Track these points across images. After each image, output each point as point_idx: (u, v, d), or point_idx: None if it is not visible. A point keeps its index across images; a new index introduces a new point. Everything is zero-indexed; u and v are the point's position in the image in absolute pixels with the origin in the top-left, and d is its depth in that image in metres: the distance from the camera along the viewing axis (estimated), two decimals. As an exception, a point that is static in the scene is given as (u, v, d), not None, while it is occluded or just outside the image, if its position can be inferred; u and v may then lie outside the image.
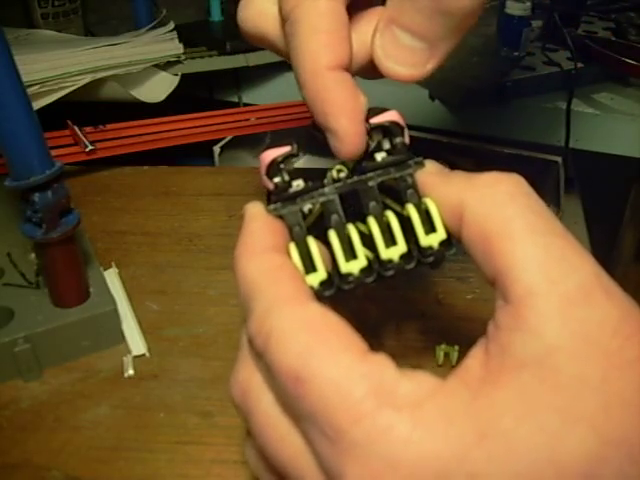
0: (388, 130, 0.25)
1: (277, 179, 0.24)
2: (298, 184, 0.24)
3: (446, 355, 0.37)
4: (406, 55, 0.25)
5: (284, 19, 0.26)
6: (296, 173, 0.24)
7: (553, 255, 0.19)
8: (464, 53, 0.66)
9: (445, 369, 0.37)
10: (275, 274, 0.22)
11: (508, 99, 0.60)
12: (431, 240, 0.23)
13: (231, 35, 0.65)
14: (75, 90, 0.55)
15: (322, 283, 0.23)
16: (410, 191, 0.24)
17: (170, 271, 0.45)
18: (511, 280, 0.19)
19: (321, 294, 0.23)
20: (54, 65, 0.54)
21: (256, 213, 0.24)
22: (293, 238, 0.24)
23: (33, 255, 0.39)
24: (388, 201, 0.25)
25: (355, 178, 0.24)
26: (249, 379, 0.22)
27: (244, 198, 0.51)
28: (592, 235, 0.50)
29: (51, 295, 0.38)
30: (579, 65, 0.60)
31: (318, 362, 0.19)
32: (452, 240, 0.23)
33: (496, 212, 0.21)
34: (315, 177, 0.25)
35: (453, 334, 0.38)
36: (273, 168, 0.24)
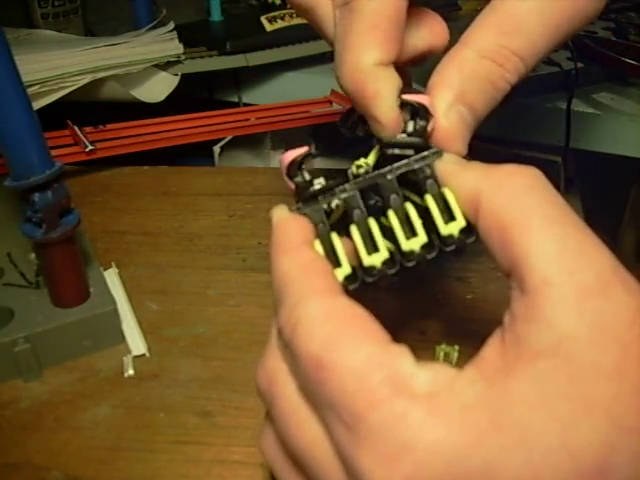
0: (415, 111, 0.26)
1: (298, 179, 0.25)
2: (319, 182, 0.25)
3: (446, 355, 0.37)
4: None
5: (341, 2, 0.26)
6: (317, 173, 0.25)
7: (570, 246, 0.20)
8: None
9: (445, 369, 0.37)
10: (307, 267, 0.22)
11: (508, 99, 0.60)
12: (451, 229, 0.23)
13: (231, 35, 0.65)
14: (75, 90, 0.55)
15: (347, 277, 0.24)
16: (429, 181, 0.24)
17: (170, 271, 0.45)
18: (527, 270, 0.20)
19: (346, 288, 0.23)
20: (54, 65, 0.54)
21: (283, 214, 0.25)
22: (318, 235, 0.24)
23: (33, 255, 0.39)
24: (408, 193, 0.25)
25: (374, 173, 0.25)
26: (276, 368, 0.22)
27: (244, 198, 0.51)
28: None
29: (51, 295, 0.38)
30: (579, 65, 0.60)
31: (339, 350, 0.20)
32: (472, 228, 0.23)
33: (513, 202, 0.21)
34: (336, 175, 0.26)
35: (453, 334, 0.38)
36: (293, 168, 0.25)
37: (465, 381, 0.19)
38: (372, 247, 0.24)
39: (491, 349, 0.20)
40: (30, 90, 0.51)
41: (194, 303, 0.42)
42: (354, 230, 0.24)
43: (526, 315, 0.19)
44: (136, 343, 0.39)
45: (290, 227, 0.24)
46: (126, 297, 0.42)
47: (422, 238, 0.24)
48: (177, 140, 0.58)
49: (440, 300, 0.42)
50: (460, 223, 0.23)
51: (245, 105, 0.68)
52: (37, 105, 0.52)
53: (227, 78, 0.67)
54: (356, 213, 0.24)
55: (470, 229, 0.23)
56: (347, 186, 0.25)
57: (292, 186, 0.25)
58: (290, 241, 0.24)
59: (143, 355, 0.38)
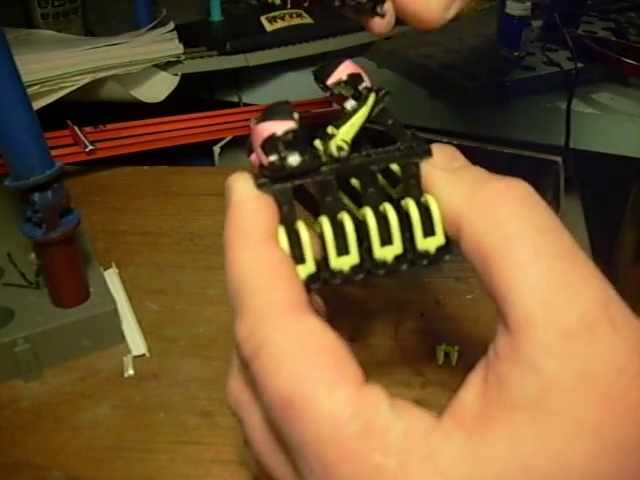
0: (349, 83, 0.24)
1: (273, 157, 0.21)
2: (294, 159, 0.21)
3: (446, 355, 0.37)
4: None
5: None
6: (291, 139, 0.22)
7: (555, 281, 0.18)
8: (464, 53, 0.66)
9: (445, 369, 0.37)
10: (272, 271, 0.20)
11: (508, 99, 0.60)
12: (428, 244, 0.22)
13: (231, 35, 0.65)
14: (75, 90, 0.55)
15: (310, 277, 0.22)
16: (412, 181, 0.22)
17: (170, 271, 0.45)
18: (509, 305, 0.18)
19: (306, 286, 0.21)
20: (54, 65, 0.54)
21: (245, 189, 0.22)
22: (282, 220, 0.22)
23: (33, 255, 0.39)
24: (386, 185, 0.24)
25: (357, 160, 0.22)
26: (239, 391, 0.22)
27: (244, 198, 0.51)
28: (592, 235, 0.50)
29: (51, 295, 0.38)
30: (579, 65, 0.60)
31: (312, 390, 0.18)
32: (450, 246, 0.22)
33: (497, 229, 0.19)
34: (311, 149, 0.23)
35: (453, 334, 0.38)
36: (270, 144, 0.21)
37: (442, 433, 0.18)
38: (343, 247, 0.22)
39: (471, 389, 0.19)
40: (30, 90, 0.51)
41: (194, 303, 0.42)
42: (325, 223, 0.22)
43: (509, 356, 0.18)
44: (136, 343, 0.39)
45: (254, 211, 0.21)
46: (126, 297, 0.42)
47: (397, 248, 0.22)
48: (177, 140, 0.58)
49: (440, 300, 0.42)
50: (439, 240, 0.22)
51: (245, 105, 0.68)
52: (37, 105, 0.52)
53: (227, 78, 0.67)
54: (328, 201, 0.22)
55: (448, 247, 0.22)
56: (324, 169, 0.22)
57: (265, 162, 0.22)
58: (253, 231, 0.21)
59: (143, 355, 0.38)
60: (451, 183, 0.21)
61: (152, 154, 0.57)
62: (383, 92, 0.24)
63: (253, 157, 0.23)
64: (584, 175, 0.56)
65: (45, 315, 0.37)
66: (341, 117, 0.23)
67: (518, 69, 0.63)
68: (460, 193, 0.21)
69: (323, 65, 0.25)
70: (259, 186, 0.22)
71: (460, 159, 0.23)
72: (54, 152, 0.37)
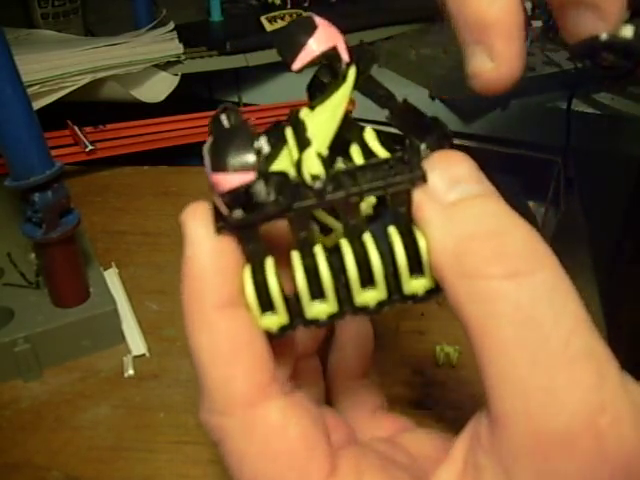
0: (322, 68, 0.20)
1: (237, 213, 0.18)
2: (259, 190, 0.17)
3: (446, 355, 0.37)
4: None
5: None
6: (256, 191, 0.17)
7: (538, 381, 0.16)
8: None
9: (445, 369, 0.37)
10: (231, 357, 0.18)
11: (508, 99, 0.60)
12: (416, 287, 0.19)
13: (231, 35, 0.65)
14: (75, 90, 0.55)
15: (282, 327, 0.19)
16: (401, 210, 0.18)
17: (170, 271, 0.45)
18: (489, 394, 0.17)
19: (278, 336, 0.19)
20: (54, 65, 0.54)
21: (200, 236, 0.18)
22: (248, 258, 0.19)
23: (33, 255, 0.39)
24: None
25: (336, 194, 0.18)
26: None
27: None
28: (592, 235, 0.50)
29: (51, 295, 0.38)
30: (579, 65, 0.60)
31: None
32: (439, 287, 0.19)
33: (480, 304, 0.17)
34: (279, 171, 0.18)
35: (453, 334, 0.38)
36: (231, 197, 0.17)
37: None
38: (318, 293, 0.18)
39: (452, 471, 0.18)
40: (30, 90, 0.51)
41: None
42: (297, 263, 0.18)
43: (487, 449, 0.17)
44: (136, 343, 0.39)
45: (210, 272, 0.18)
46: (126, 297, 0.42)
47: (381, 293, 0.19)
48: (177, 140, 0.58)
49: (440, 300, 0.42)
50: (428, 282, 0.19)
51: (245, 105, 0.68)
52: (37, 105, 0.52)
53: (227, 78, 0.67)
54: (302, 238, 0.18)
55: (437, 289, 0.19)
56: (296, 205, 0.18)
57: (225, 211, 0.18)
58: (209, 300, 0.18)
59: (143, 355, 0.38)
60: (441, 227, 0.18)
61: (152, 154, 0.57)
62: (366, 60, 0.20)
63: (213, 180, 0.18)
64: (584, 175, 0.56)
65: (45, 315, 0.37)
66: (316, 99, 0.20)
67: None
68: (448, 245, 0.17)
69: (278, 35, 0.20)
70: (219, 230, 0.18)
71: (464, 180, 0.18)
72: (54, 152, 0.37)
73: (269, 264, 0.19)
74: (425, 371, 0.37)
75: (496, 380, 0.17)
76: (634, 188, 0.68)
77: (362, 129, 0.21)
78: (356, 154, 0.21)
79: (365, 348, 0.27)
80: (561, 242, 0.50)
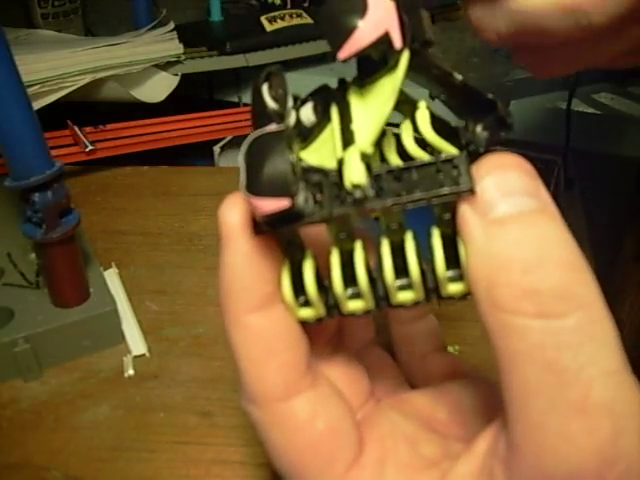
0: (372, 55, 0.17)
1: (281, 228, 0.17)
2: (298, 198, 0.16)
3: (446, 355, 0.37)
4: None
5: None
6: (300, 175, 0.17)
7: (553, 424, 0.16)
8: (464, 53, 0.66)
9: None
10: (262, 358, 0.19)
11: (508, 99, 0.60)
12: (454, 290, 0.18)
13: (231, 35, 0.65)
14: (75, 90, 0.55)
15: (319, 319, 0.20)
16: (446, 216, 0.18)
17: (170, 271, 0.45)
18: (508, 419, 0.17)
19: (315, 325, 0.20)
20: (54, 65, 0.54)
21: (238, 233, 0.18)
22: (287, 256, 0.19)
23: (33, 255, 0.39)
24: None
25: (378, 203, 0.17)
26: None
27: (244, 198, 0.51)
28: (592, 235, 0.50)
29: (51, 295, 0.38)
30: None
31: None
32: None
33: (506, 339, 0.16)
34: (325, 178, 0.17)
35: (453, 334, 0.38)
36: (273, 219, 0.17)
37: None
38: (354, 294, 0.19)
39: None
40: (30, 90, 0.51)
41: (194, 303, 0.42)
42: (335, 264, 0.18)
43: (504, 464, 0.17)
44: (136, 343, 0.39)
45: (248, 273, 0.19)
46: (126, 297, 0.42)
47: (418, 294, 0.19)
48: (177, 140, 0.58)
49: (440, 300, 0.42)
50: (466, 287, 0.18)
51: (245, 105, 0.68)
52: (37, 105, 0.52)
53: (227, 78, 0.67)
54: (341, 239, 0.18)
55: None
56: (336, 211, 0.17)
57: (264, 229, 0.18)
58: (246, 299, 0.19)
59: (143, 355, 0.38)
60: (480, 247, 0.17)
61: (152, 154, 0.57)
62: (420, 39, 0.18)
63: (251, 202, 0.17)
64: (584, 175, 0.56)
65: (45, 315, 0.37)
66: (366, 77, 0.19)
67: (518, 69, 0.63)
68: (483, 270, 0.16)
69: (325, 10, 0.17)
70: (257, 231, 0.18)
71: (516, 192, 0.17)
72: (54, 152, 0.37)
73: (307, 261, 0.19)
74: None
75: (514, 415, 0.17)
76: (634, 188, 0.68)
77: (415, 105, 0.20)
78: (406, 132, 0.20)
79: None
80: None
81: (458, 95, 0.20)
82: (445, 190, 0.17)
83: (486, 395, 0.23)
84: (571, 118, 0.57)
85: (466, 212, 0.17)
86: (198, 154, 0.61)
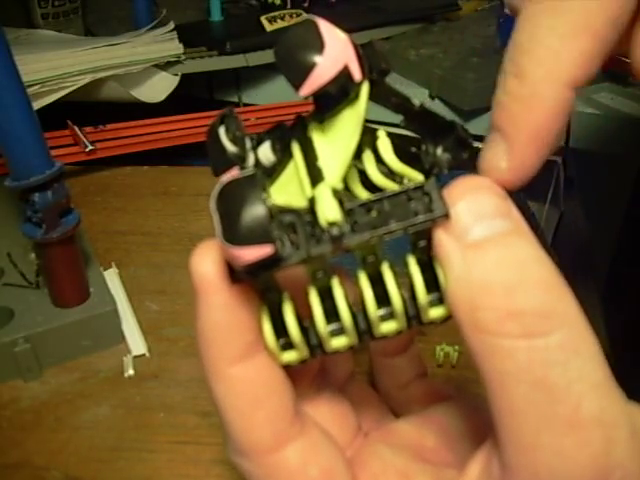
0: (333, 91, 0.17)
1: (259, 278, 0.17)
2: (282, 239, 0.16)
3: (446, 355, 0.37)
4: None
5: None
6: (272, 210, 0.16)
7: (546, 443, 0.16)
8: (464, 53, 0.66)
9: (445, 369, 0.37)
10: (247, 410, 0.19)
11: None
12: (434, 315, 0.18)
13: (231, 35, 0.65)
14: (75, 90, 0.55)
15: (303, 361, 0.19)
16: (422, 243, 0.18)
17: (170, 271, 0.45)
18: (499, 441, 0.17)
19: (298, 366, 0.20)
20: (54, 65, 0.54)
21: (213, 284, 0.18)
22: (264, 301, 0.19)
23: (33, 255, 0.39)
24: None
25: (355, 239, 0.17)
26: None
27: (244, 198, 0.51)
28: (592, 235, 0.50)
29: (51, 295, 0.38)
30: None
31: None
32: None
33: (492, 361, 0.16)
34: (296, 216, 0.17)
35: (453, 334, 0.38)
36: (250, 269, 0.16)
37: None
38: (338, 331, 0.19)
39: None
40: (30, 90, 0.51)
41: (194, 303, 0.42)
42: (315, 303, 0.18)
43: None
44: (136, 343, 0.39)
45: (225, 328, 0.18)
46: (126, 297, 0.42)
47: (400, 323, 0.18)
48: (177, 140, 0.58)
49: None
50: (447, 311, 0.18)
51: (245, 105, 0.68)
52: (37, 105, 0.52)
53: (227, 78, 0.67)
54: (319, 277, 0.18)
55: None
56: (314, 251, 0.17)
57: (242, 278, 0.17)
58: (227, 354, 0.19)
59: (143, 355, 0.38)
60: (459, 271, 0.17)
61: (152, 154, 0.57)
62: (378, 68, 0.18)
63: (229, 253, 0.16)
64: (584, 175, 0.56)
65: (45, 315, 0.37)
66: (325, 112, 0.18)
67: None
68: (464, 294, 0.17)
69: (280, 49, 0.17)
70: (233, 280, 0.18)
71: (488, 215, 0.17)
72: (54, 152, 0.37)
73: (286, 304, 0.18)
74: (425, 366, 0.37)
75: (505, 435, 0.16)
76: (634, 188, 0.69)
77: (374, 133, 0.20)
78: (369, 163, 0.20)
79: (409, 333, 0.26)
80: (561, 242, 0.50)
81: (417, 120, 0.20)
82: (420, 218, 0.17)
83: (472, 416, 0.22)
84: (571, 118, 0.57)
85: (442, 238, 0.17)
86: (198, 154, 0.61)
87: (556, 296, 0.16)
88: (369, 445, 0.22)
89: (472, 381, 0.35)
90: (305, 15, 0.69)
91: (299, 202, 0.17)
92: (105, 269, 0.44)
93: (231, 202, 0.16)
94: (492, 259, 0.16)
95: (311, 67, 0.16)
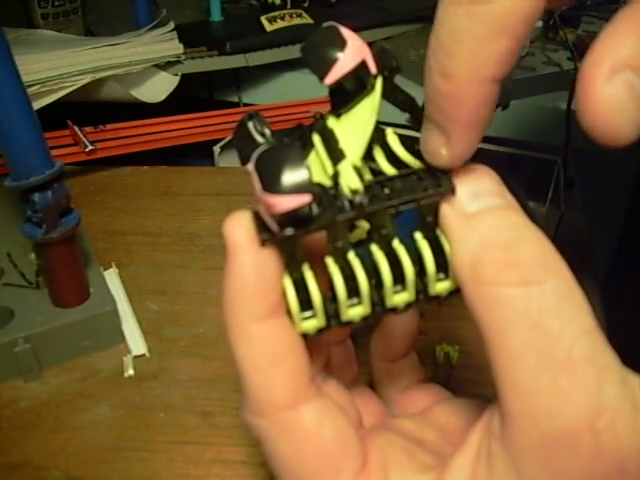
0: (352, 80, 0.20)
1: (289, 231, 0.19)
2: (314, 209, 0.19)
3: (446, 355, 0.37)
4: None
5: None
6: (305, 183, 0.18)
7: (544, 384, 0.17)
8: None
9: (445, 369, 0.37)
10: (270, 367, 0.20)
11: (508, 99, 0.60)
12: (441, 288, 0.20)
13: (231, 35, 0.65)
14: (75, 90, 0.55)
15: (319, 330, 0.20)
16: (429, 219, 0.20)
17: (170, 271, 0.45)
18: (499, 394, 0.18)
19: (314, 337, 0.21)
20: (54, 65, 0.54)
21: (243, 246, 0.19)
22: (289, 270, 0.20)
23: (33, 255, 0.39)
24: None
25: (374, 206, 0.19)
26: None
27: (244, 198, 0.51)
28: (592, 235, 0.50)
29: (51, 295, 0.38)
30: (579, 65, 0.60)
31: None
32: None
33: (492, 312, 0.18)
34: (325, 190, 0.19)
35: (453, 334, 0.38)
36: (286, 219, 0.18)
37: None
38: (355, 298, 0.20)
39: (464, 468, 0.19)
40: (30, 90, 0.51)
41: (194, 303, 0.42)
42: (334, 270, 0.20)
43: (499, 441, 0.18)
44: (136, 343, 0.39)
45: (253, 285, 0.19)
46: (126, 297, 0.42)
47: (410, 295, 0.20)
48: (177, 140, 0.58)
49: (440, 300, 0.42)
50: (452, 285, 0.20)
51: (245, 105, 0.68)
52: (37, 105, 0.52)
53: (227, 78, 0.67)
54: (339, 247, 0.20)
55: (459, 290, 0.20)
56: (338, 217, 0.19)
57: (273, 229, 0.19)
58: (252, 313, 0.19)
59: (143, 355, 0.38)
60: (462, 236, 0.19)
61: (152, 154, 0.57)
62: (389, 67, 0.20)
63: (268, 201, 0.18)
64: (584, 175, 0.56)
65: (45, 315, 0.37)
66: (342, 107, 0.21)
67: (518, 69, 0.63)
68: (467, 253, 0.19)
69: (307, 48, 0.20)
70: (263, 242, 0.19)
71: (486, 193, 0.20)
72: (54, 152, 0.37)
73: (308, 272, 0.20)
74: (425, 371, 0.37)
75: (505, 382, 0.18)
76: (634, 188, 0.68)
77: (384, 131, 0.22)
78: (380, 157, 0.22)
79: (411, 336, 0.27)
80: (561, 242, 0.50)
81: (421, 118, 0.22)
82: (430, 192, 0.20)
83: (471, 416, 0.23)
84: (571, 118, 0.57)
85: (447, 210, 0.20)
86: (198, 154, 0.61)
87: (549, 253, 0.18)
88: (373, 431, 0.23)
89: (472, 381, 0.35)
90: (305, 15, 0.69)
91: (323, 181, 0.20)
92: (105, 269, 0.44)
93: (273, 159, 0.18)
94: (490, 224, 0.19)
95: (334, 61, 0.19)
